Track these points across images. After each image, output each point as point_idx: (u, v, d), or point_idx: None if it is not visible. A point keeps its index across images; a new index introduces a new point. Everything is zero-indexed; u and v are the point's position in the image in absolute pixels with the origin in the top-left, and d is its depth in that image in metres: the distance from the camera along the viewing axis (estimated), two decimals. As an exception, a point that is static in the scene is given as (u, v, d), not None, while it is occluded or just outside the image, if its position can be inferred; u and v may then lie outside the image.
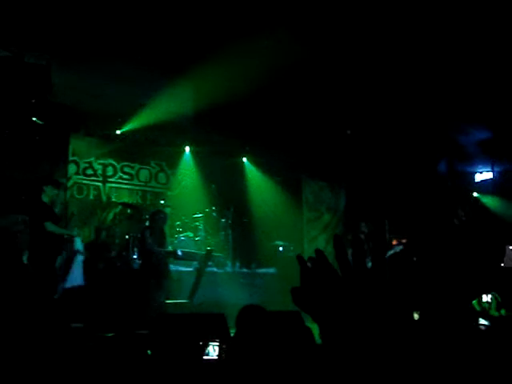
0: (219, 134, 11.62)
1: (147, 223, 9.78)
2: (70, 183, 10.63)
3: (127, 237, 9.64)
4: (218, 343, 4.24)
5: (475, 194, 13.06)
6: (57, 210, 8.17)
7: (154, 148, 11.84)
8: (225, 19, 8.16)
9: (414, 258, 10.70)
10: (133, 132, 11.06)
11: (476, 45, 8.46)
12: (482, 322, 7.29)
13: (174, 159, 12.20)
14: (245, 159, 12.70)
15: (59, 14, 7.79)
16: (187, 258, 9.86)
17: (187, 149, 12.16)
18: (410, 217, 11.47)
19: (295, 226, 12.66)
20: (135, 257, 9.43)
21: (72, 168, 10.79)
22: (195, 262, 9.90)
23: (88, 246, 9.64)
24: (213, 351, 4.89)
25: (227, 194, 11.78)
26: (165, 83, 9.91)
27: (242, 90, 9.22)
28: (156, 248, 9.47)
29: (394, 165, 12.31)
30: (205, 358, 4.09)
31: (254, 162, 12.66)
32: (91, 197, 11.13)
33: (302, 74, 9.50)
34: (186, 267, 10.05)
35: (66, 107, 9.85)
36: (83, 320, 6.84)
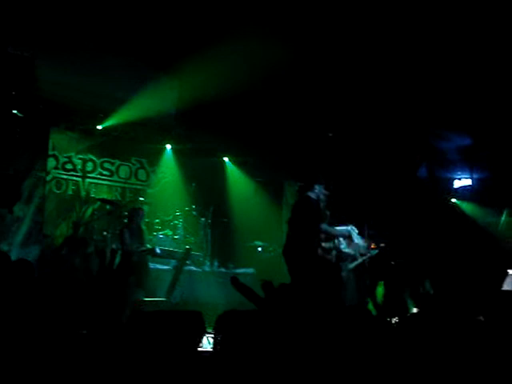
0: (201, 132, 11.59)
1: (125, 221, 9.79)
2: (48, 178, 10.49)
3: (105, 233, 9.56)
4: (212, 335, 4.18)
5: (453, 200, 13.17)
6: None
7: (134, 145, 11.76)
8: (210, 19, 8.16)
9: (392, 262, 10.75)
10: (114, 128, 10.97)
11: (456, 52, 8.55)
12: None
13: (154, 156, 12.13)
14: (226, 159, 12.66)
15: (44, 7, 7.73)
16: (165, 255, 9.82)
17: (168, 146, 12.10)
18: (389, 221, 11.52)
19: (275, 226, 12.65)
20: (113, 253, 9.34)
21: (51, 162, 10.65)
22: (173, 260, 9.86)
23: (65, 241, 9.56)
24: (207, 343, 4.81)
25: (207, 193, 11.74)
26: (148, 80, 9.88)
27: (226, 90, 9.22)
28: (135, 247, 9.43)
29: (374, 168, 12.37)
30: (199, 349, 4.03)
31: (236, 162, 12.63)
32: (70, 192, 11.01)
33: (285, 75, 9.53)
34: (164, 265, 10.01)
35: (47, 101, 9.74)
36: (58, 317, 6.76)
